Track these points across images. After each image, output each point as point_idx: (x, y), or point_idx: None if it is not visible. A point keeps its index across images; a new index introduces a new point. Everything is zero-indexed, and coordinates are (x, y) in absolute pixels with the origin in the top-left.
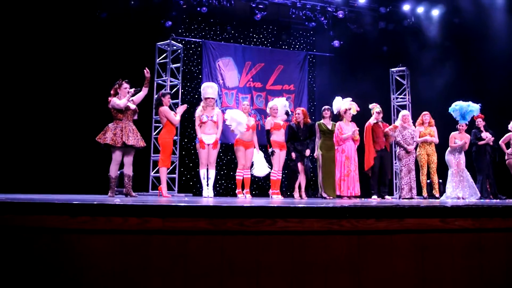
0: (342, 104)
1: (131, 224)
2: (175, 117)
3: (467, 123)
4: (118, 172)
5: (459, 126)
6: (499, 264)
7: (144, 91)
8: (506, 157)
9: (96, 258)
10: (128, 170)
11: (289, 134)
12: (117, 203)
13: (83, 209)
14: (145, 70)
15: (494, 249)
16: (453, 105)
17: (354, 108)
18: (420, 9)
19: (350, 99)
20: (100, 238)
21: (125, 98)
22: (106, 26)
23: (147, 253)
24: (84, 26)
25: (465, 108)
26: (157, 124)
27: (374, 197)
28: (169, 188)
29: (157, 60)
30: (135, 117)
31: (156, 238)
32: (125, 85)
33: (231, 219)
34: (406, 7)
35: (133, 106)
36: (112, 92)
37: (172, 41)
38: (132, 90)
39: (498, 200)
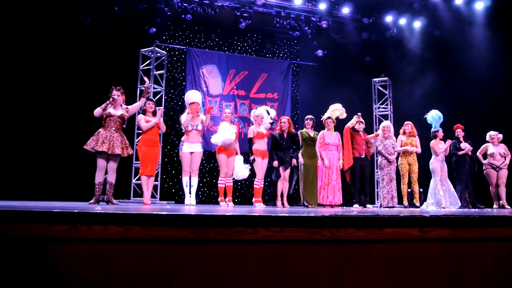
0: (329, 112)
1: (112, 233)
2: (146, 123)
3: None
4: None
5: (438, 133)
6: (476, 273)
7: (141, 102)
8: (483, 167)
9: (77, 267)
10: (111, 177)
11: (272, 144)
12: (97, 211)
13: (64, 217)
14: (146, 81)
15: (471, 259)
16: (433, 113)
17: (338, 112)
18: (402, 21)
19: (338, 106)
20: (81, 247)
21: (99, 106)
22: (90, 32)
23: (128, 262)
24: (67, 32)
25: (439, 115)
26: (140, 131)
27: (356, 205)
28: (151, 195)
29: (141, 66)
30: (123, 126)
31: (137, 247)
32: (114, 92)
33: (212, 228)
34: (388, 19)
35: (118, 113)
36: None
37: (156, 48)
38: (116, 96)
39: (476, 210)
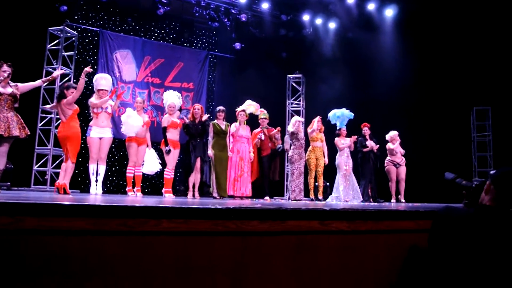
0: (244, 105)
1: (2, 223)
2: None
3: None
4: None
5: (341, 131)
6: (370, 264)
7: (38, 83)
8: (385, 164)
9: None
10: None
11: (186, 132)
12: None
13: None
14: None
15: (365, 250)
16: (332, 112)
17: (253, 107)
18: (318, 21)
19: (254, 103)
20: None
21: None
22: None
23: (19, 254)
24: None
25: (345, 115)
26: (43, 115)
27: (266, 198)
28: (49, 183)
29: (48, 46)
30: (16, 105)
31: (30, 239)
32: (5, 67)
33: (113, 219)
34: (305, 17)
35: (9, 91)
36: None
37: (66, 27)
38: (7, 73)
39: (375, 204)
